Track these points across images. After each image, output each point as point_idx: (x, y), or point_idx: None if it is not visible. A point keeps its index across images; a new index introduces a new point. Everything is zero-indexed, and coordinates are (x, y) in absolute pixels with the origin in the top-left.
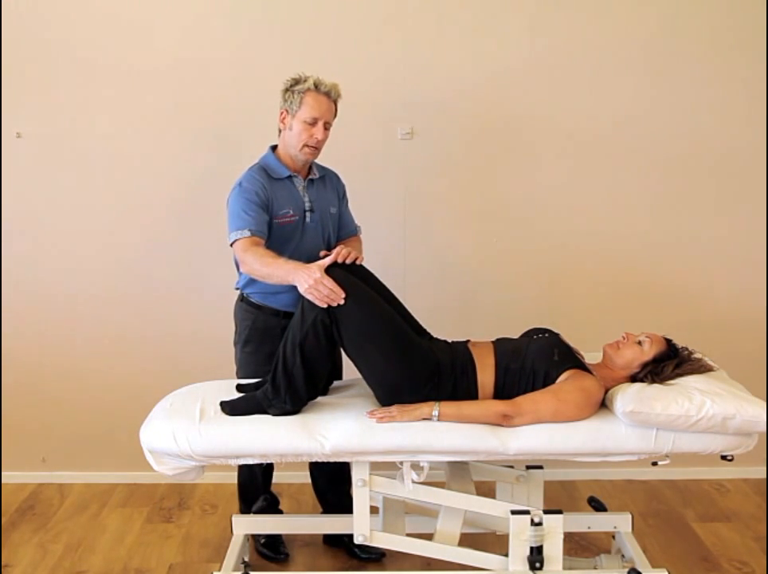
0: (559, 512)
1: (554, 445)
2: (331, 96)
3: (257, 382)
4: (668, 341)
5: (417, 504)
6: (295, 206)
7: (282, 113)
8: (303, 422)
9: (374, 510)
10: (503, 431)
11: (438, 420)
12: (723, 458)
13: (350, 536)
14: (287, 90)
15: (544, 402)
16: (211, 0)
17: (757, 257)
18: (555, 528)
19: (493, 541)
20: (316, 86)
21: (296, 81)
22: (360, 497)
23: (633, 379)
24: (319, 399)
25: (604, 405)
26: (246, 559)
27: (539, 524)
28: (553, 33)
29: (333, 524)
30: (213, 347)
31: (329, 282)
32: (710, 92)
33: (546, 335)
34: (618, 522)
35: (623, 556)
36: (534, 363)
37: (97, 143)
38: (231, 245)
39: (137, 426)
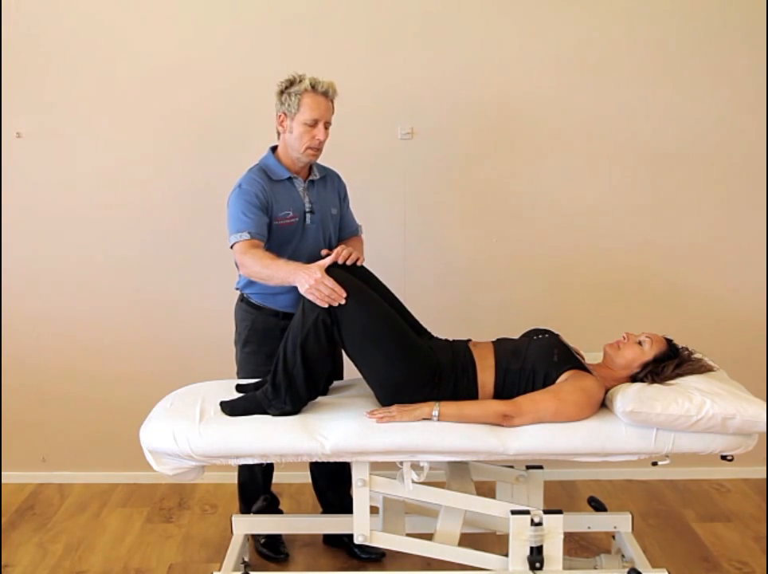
0: (559, 512)
1: (555, 445)
2: (328, 95)
3: (257, 382)
4: (669, 341)
5: (417, 504)
6: (296, 208)
7: (280, 116)
8: (303, 422)
9: (374, 510)
10: (503, 431)
11: (438, 420)
12: (723, 458)
13: (350, 536)
14: (282, 92)
15: (544, 403)
16: (211, 2)
17: (757, 257)
18: (555, 528)
19: (493, 541)
20: (313, 86)
21: (291, 83)
22: (360, 497)
23: (634, 379)
24: (319, 399)
25: (604, 405)
26: (246, 559)
27: (539, 524)
28: (553, 34)
29: (333, 524)
30: (213, 347)
31: (330, 282)
32: (711, 93)
33: (546, 335)
34: (618, 522)
35: (623, 556)
36: (534, 364)
37: (97, 144)
38: (231, 247)
39: (137, 426)
